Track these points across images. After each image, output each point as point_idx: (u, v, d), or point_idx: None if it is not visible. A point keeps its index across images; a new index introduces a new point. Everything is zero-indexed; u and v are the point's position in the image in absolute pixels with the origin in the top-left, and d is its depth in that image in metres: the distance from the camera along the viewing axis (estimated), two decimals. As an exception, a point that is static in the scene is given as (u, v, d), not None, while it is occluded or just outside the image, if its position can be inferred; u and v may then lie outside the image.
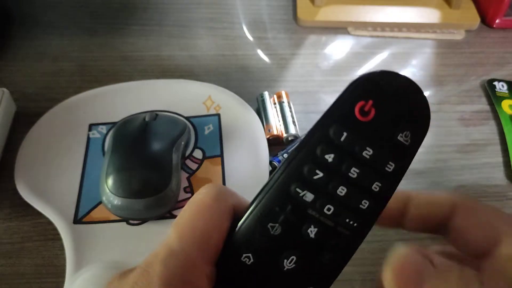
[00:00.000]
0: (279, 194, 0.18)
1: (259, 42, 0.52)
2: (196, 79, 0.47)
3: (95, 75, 0.48)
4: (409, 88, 0.18)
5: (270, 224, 0.18)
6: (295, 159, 0.18)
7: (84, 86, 0.45)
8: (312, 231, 0.17)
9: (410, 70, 0.50)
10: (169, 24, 0.54)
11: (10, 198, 0.38)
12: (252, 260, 0.17)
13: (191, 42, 0.52)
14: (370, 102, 0.18)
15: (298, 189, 0.17)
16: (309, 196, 0.17)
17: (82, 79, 0.47)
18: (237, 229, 0.18)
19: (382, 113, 0.18)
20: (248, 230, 0.18)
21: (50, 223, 0.36)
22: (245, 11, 0.55)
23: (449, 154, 0.43)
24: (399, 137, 0.18)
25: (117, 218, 0.36)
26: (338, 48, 0.52)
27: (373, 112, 0.18)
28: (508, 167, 0.42)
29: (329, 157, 0.17)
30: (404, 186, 0.44)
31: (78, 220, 0.36)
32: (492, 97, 0.47)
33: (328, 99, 0.46)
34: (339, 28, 0.54)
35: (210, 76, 0.48)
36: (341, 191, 0.17)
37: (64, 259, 0.34)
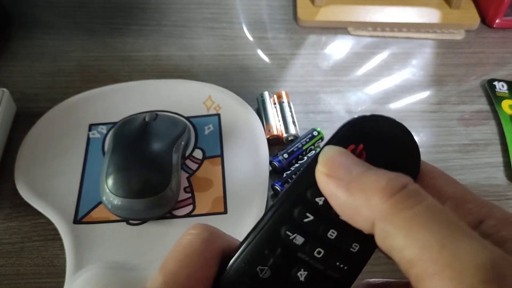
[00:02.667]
0: (269, 237, 0.18)
1: (259, 42, 0.52)
2: (195, 79, 0.47)
3: (95, 75, 0.48)
4: (399, 131, 0.18)
5: (260, 267, 0.17)
6: (285, 202, 0.18)
7: (84, 86, 0.46)
8: (302, 274, 0.17)
9: (410, 70, 0.50)
10: (168, 24, 0.54)
11: (10, 198, 0.38)
12: None
13: (190, 42, 0.52)
14: (361, 146, 0.18)
15: (288, 232, 0.17)
16: (299, 239, 0.17)
17: (82, 79, 0.47)
18: (226, 271, 0.18)
19: (373, 156, 0.18)
20: (237, 273, 0.17)
21: (50, 223, 0.36)
22: (245, 11, 0.55)
23: (449, 154, 0.43)
24: None
25: (117, 218, 0.36)
26: (338, 48, 0.52)
27: (364, 155, 0.18)
28: (508, 167, 0.42)
29: (320, 200, 0.17)
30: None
31: (78, 220, 0.36)
32: (492, 97, 0.47)
33: (328, 99, 0.46)
34: (339, 28, 0.54)
35: (210, 76, 0.48)
36: (332, 234, 0.17)
37: (64, 259, 0.34)
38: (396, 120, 0.18)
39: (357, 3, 0.55)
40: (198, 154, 0.41)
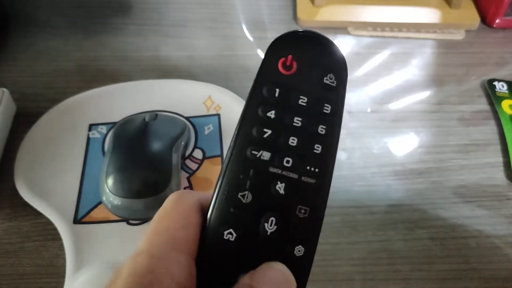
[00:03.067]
0: (238, 163, 0.18)
1: (259, 42, 0.52)
2: (195, 79, 0.47)
3: (94, 75, 0.48)
4: (318, 38, 0.20)
5: (240, 194, 0.18)
6: (242, 127, 0.19)
7: (83, 86, 0.45)
8: (280, 187, 0.18)
9: (410, 70, 0.50)
10: (168, 24, 0.54)
11: (10, 198, 0.38)
12: (235, 235, 0.18)
13: (190, 42, 0.52)
14: (290, 56, 0.19)
15: (254, 152, 0.18)
16: (266, 155, 0.18)
17: (81, 79, 0.47)
18: (209, 212, 0.18)
19: (303, 63, 0.19)
20: (222, 208, 0.18)
21: (50, 223, 0.36)
22: (245, 11, 0.55)
23: (449, 154, 0.43)
24: (325, 81, 0.19)
25: (117, 218, 0.36)
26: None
27: (295, 64, 0.19)
28: (508, 167, 0.42)
29: (271, 114, 0.19)
30: (405, 186, 0.44)
31: (78, 220, 0.36)
32: (492, 97, 0.47)
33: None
34: (339, 28, 0.54)
35: (210, 76, 0.48)
36: (293, 141, 0.18)
37: (64, 259, 0.34)
38: (317, 31, 0.20)
39: (357, 3, 0.55)
40: (198, 154, 0.41)
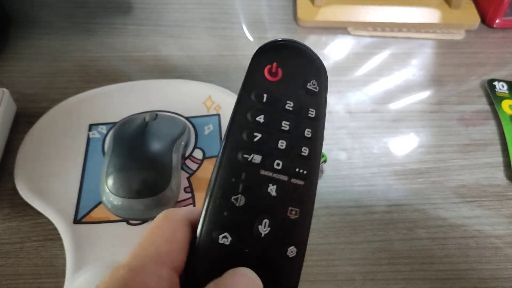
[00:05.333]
0: (230, 167, 0.19)
1: (259, 42, 0.52)
2: (195, 79, 0.47)
3: (94, 75, 0.48)
4: (298, 46, 0.21)
5: (233, 197, 0.18)
6: (232, 131, 0.19)
7: (83, 86, 0.45)
8: (272, 189, 0.19)
9: (410, 70, 0.50)
10: (168, 24, 0.54)
11: (10, 198, 0.38)
12: (230, 238, 0.18)
13: (190, 42, 0.52)
14: (275, 64, 0.20)
15: (245, 155, 0.19)
16: (257, 158, 0.19)
17: (81, 79, 0.47)
18: (201, 217, 0.18)
19: (288, 70, 0.20)
20: (215, 212, 0.18)
21: (50, 223, 0.36)
22: (245, 11, 0.55)
23: (449, 154, 0.43)
24: (308, 86, 0.20)
25: (117, 218, 0.36)
26: (338, 48, 0.52)
27: (280, 71, 0.20)
28: (508, 167, 0.42)
29: (260, 119, 0.19)
30: (405, 186, 0.44)
31: (78, 220, 0.36)
32: (492, 97, 0.47)
33: (328, 99, 0.46)
34: (339, 28, 0.54)
35: (210, 76, 0.48)
36: (282, 144, 0.19)
37: (63, 259, 0.34)
38: (297, 40, 0.21)
39: (357, 3, 0.55)
40: (198, 154, 0.41)
